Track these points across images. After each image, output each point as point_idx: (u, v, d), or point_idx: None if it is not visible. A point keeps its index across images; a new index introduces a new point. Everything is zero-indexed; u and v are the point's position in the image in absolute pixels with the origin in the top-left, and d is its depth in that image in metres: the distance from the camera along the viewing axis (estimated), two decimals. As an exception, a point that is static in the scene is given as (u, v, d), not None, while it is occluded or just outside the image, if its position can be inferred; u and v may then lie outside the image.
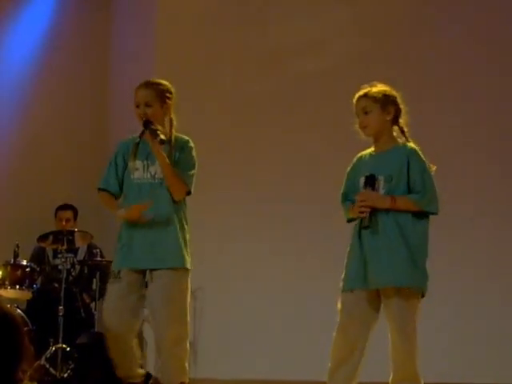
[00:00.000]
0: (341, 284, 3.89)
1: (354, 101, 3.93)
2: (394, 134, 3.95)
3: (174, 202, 4.18)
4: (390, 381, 3.87)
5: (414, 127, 6.02)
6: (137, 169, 4.17)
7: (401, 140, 3.94)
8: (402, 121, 3.95)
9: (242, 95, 6.48)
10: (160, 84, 4.22)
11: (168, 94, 4.20)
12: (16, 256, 5.83)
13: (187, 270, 4.24)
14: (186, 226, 4.25)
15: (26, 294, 5.94)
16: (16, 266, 5.85)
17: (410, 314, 3.78)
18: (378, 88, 3.93)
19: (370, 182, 3.83)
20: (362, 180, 3.87)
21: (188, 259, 4.25)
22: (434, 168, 3.87)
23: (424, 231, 3.85)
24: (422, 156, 3.87)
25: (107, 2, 7.53)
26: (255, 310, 6.13)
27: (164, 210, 4.15)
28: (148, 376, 5.52)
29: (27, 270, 5.91)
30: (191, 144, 4.27)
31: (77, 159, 7.17)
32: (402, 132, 3.95)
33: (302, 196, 6.17)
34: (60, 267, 6.25)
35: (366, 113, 3.88)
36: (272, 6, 6.62)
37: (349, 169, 4.03)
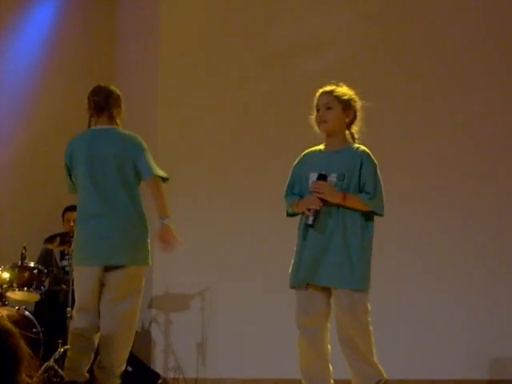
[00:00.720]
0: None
1: (318, 94, 4.02)
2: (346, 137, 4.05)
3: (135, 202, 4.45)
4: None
5: (421, 125, 6.04)
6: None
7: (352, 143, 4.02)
8: (355, 128, 4.04)
9: (246, 96, 6.47)
10: (113, 89, 4.68)
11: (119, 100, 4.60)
12: (23, 258, 5.84)
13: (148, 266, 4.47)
14: (147, 222, 4.44)
15: (34, 296, 5.94)
16: (23, 268, 5.86)
17: (352, 311, 3.86)
18: (345, 90, 4.03)
19: (322, 179, 3.90)
20: (314, 176, 3.94)
21: (148, 256, 4.43)
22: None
23: (370, 233, 3.93)
24: (374, 159, 3.95)
25: (112, 4, 7.54)
26: (264, 310, 6.12)
27: (127, 205, 4.43)
28: (157, 376, 5.54)
29: (35, 271, 5.92)
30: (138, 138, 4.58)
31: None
32: (353, 138, 4.04)
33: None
34: (67, 269, 6.26)
35: (328, 108, 3.96)
36: (276, 6, 6.61)
37: (295, 163, 4.12)
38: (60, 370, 5.56)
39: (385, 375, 3.93)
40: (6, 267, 5.75)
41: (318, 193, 3.86)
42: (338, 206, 3.86)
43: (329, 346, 3.97)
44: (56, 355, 5.60)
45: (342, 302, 3.86)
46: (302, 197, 3.99)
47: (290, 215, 4.10)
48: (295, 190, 4.05)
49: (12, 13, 7.21)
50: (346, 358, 3.92)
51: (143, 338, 6.17)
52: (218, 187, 6.36)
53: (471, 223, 6.11)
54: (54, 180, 7.20)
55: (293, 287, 4.03)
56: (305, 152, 4.12)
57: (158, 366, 6.09)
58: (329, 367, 3.97)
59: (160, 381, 5.57)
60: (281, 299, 6.06)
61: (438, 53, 6.10)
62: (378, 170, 3.93)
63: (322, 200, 3.86)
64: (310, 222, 3.88)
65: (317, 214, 3.87)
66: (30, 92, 7.23)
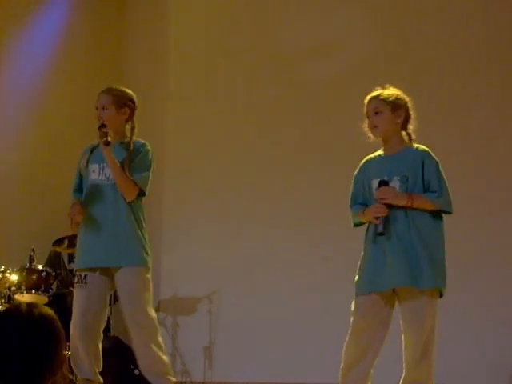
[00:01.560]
0: (355, 287, 3.90)
1: (366, 101, 3.97)
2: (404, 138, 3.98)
3: (128, 202, 4.30)
4: (400, 382, 3.87)
5: (428, 127, 6.02)
6: (93, 171, 4.41)
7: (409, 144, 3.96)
8: (410, 127, 3.98)
9: (255, 98, 6.48)
10: (120, 91, 4.45)
11: (128, 102, 4.41)
12: (31, 261, 5.84)
13: (144, 268, 4.32)
14: (141, 227, 4.33)
15: (42, 299, 5.94)
16: (32, 270, 5.86)
17: (428, 314, 3.78)
18: (391, 91, 3.97)
19: (384, 185, 3.84)
20: (375, 182, 3.88)
21: (145, 258, 4.32)
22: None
23: (441, 232, 3.87)
24: (435, 157, 3.88)
25: (120, 5, 7.54)
26: (272, 314, 6.11)
27: (118, 210, 4.28)
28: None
29: (43, 274, 5.92)
30: (147, 147, 4.41)
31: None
32: (410, 138, 3.97)
33: (317, 199, 6.15)
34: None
35: (376, 113, 3.91)
36: (285, 9, 6.61)
37: (356, 172, 4.05)
38: (67, 373, 5.57)
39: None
40: (15, 269, 5.75)
41: (383, 199, 3.80)
42: (406, 209, 3.79)
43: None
44: (64, 358, 5.61)
45: (417, 304, 3.78)
46: (366, 205, 3.92)
47: (356, 225, 4.01)
48: (359, 200, 3.98)
49: (21, 13, 7.22)
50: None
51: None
52: (226, 191, 6.36)
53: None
54: (63, 182, 7.19)
55: (361, 294, 3.90)
56: (364, 159, 4.05)
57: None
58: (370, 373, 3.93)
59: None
60: (289, 303, 6.08)
61: (454, 54, 6.08)
62: (440, 168, 3.86)
63: (388, 206, 3.80)
64: (380, 230, 3.80)
65: (385, 221, 3.80)
66: (38, 94, 7.24)
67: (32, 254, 5.85)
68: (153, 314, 4.32)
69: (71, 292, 6.21)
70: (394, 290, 3.84)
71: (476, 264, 5.78)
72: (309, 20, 6.47)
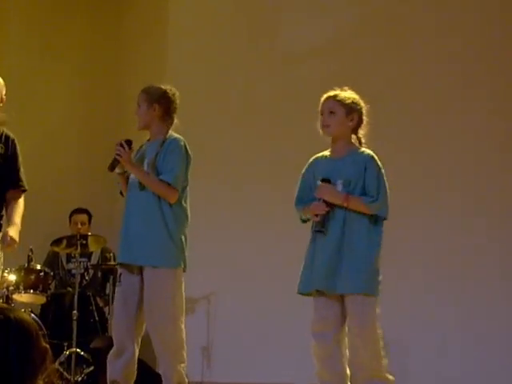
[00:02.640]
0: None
1: (322, 100, 4.02)
2: (353, 141, 4.03)
3: (158, 200, 4.22)
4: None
5: (430, 128, 6.02)
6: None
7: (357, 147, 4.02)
8: (361, 132, 4.02)
9: (253, 98, 6.48)
10: (151, 88, 4.39)
11: (159, 99, 4.33)
12: (30, 260, 5.85)
13: (171, 269, 4.22)
14: (171, 225, 4.23)
15: (40, 299, 5.95)
16: (30, 270, 5.87)
17: (363, 316, 3.83)
18: (348, 94, 4.02)
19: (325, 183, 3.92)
20: (319, 183, 3.94)
21: (169, 258, 4.22)
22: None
23: (377, 238, 3.91)
24: (379, 162, 3.95)
25: (119, 4, 7.55)
26: (270, 315, 6.11)
27: (146, 207, 4.22)
28: (161, 379, 5.52)
29: (41, 274, 5.93)
30: (180, 142, 4.32)
31: (90, 163, 7.17)
32: (360, 143, 4.02)
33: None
34: (74, 271, 6.28)
35: (330, 113, 3.95)
36: (283, 9, 6.62)
37: (304, 170, 4.11)
38: (65, 373, 5.58)
39: (392, 381, 3.90)
40: (13, 269, 5.75)
41: (320, 196, 3.87)
42: (344, 210, 3.85)
43: (347, 351, 3.94)
44: (61, 358, 5.61)
45: (350, 307, 3.84)
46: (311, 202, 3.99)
47: (304, 221, 4.07)
48: (304, 198, 4.03)
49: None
50: (352, 362, 3.91)
51: (147, 340, 6.16)
52: (224, 192, 6.36)
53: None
54: (61, 182, 7.23)
55: (301, 293, 4.02)
56: (313, 158, 4.10)
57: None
58: (346, 374, 3.94)
59: None
60: (287, 304, 6.06)
61: (446, 55, 6.09)
62: (382, 173, 3.91)
63: (329, 205, 3.86)
64: (318, 227, 3.88)
65: (324, 219, 3.87)
66: (37, 93, 7.24)
67: (30, 253, 5.85)
68: (180, 322, 4.19)
69: (69, 292, 6.23)
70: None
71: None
72: (307, 19, 6.47)
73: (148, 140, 4.40)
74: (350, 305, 3.85)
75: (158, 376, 5.33)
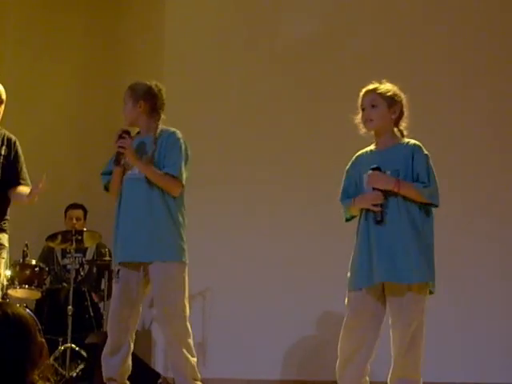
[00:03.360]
0: (347, 283, 3.89)
1: (362, 94, 3.96)
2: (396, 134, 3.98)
3: (162, 195, 4.21)
4: (389, 377, 3.87)
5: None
6: (128, 165, 4.29)
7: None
8: (403, 124, 3.98)
9: (251, 95, 6.46)
10: (136, 84, 4.39)
11: (144, 95, 4.32)
12: (25, 256, 5.84)
13: (177, 263, 4.22)
14: (176, 220, 4.24)
15: (35, 294, 5.94)
16: (25, 265, 5.86)
17: (417, 309, 3.77)
18: (388, 86, 3.96)
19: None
20: (367, 177, 3.87)
21: (175, 253, 4.22)
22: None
23: (431, 226, 3.86)
24: (426, 151, 3.89)
25: (117, 2, 7.53)
26: (266, 310, 6.11)
27: (150, 203, 4.20)
28: (157, 375, 5.53)
29: (36, 269, 5.92)
30: (178, 135, 4.33)
31: (87, 159, 7.16)
32: (402, 135, 3.97)
33: (316, 194, 6.13)
34: (69, 267, 6.27)
35: (373, 106, 3.90)
36: (282, 6, 6.60)
37: (348, 166, 4.04)
38: (60, 369, 5.57)
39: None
40: (8, 265, 5.74)
41: (373, 183, 3.79)
42: (397, 197, 3.77)
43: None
44: (56, 353, 5.60)
45: (400, 299, 3.76)
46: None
47: (348, 219, 3.99)
48: (350, 194, 3.95)
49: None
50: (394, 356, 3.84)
51: (144, 337, 6.17)
52: (220, 186, 6.35)
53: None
54: (57, 178, 7.20)
55: (356, 289, 3.86)
56: (356, 154, 4.04)
57: (158, 366, 6.08)
58: (367, 371, 3.90)
59: (160, 380, 5.56)
60: (283, 300, 6.07)
61: (450, 52, 6.08)
62: (430, 161, 3.85)
63: (383, 193, 3.79)
64: (379, 218, 3.78)
65: (383, 208, 3.78)
66: (34, 87, 7.23)
67: (25, 249, 5.84)
68: (187, 313, 4.21)
69: (64, 287, 6.22)
70: (383, 283, 3.82)
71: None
72: (307, 13, 6.46)
73: (138, 133, 4.39)
74: (403, 294, 3.75)
75: (154, 372, 5.34)
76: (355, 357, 3.84)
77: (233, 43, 6.58)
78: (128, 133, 4.25)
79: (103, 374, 4.24)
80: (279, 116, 6.37)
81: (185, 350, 4.19)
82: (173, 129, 4.35)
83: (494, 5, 6.15)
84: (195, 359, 4.25)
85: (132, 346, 4.27)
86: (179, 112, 6.57)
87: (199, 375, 4.28)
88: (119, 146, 4.21)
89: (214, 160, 6.40)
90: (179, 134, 4.32)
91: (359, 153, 4.03)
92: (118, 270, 4.23)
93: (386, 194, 3.79)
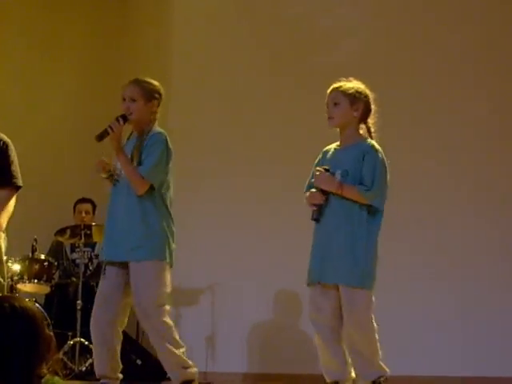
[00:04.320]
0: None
1: (328, 91, 4.02)
2: (361, 132, 4.02)
3: (139, 196, 4.23)
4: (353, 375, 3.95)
5: (435, 117, 5.99)
6: (117, 163, 4.32)
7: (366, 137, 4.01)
8: (370, 121, 4.02)
9: (256, 91, 6.46)
10: (149, 83, 4.35)
11: (156, 95, 4.31)
12: (34, 250, 5.86)
13: (158, 261, 4.24)
14: (152, 219, 4.23)
15: (44, 289, 5.96)
16: (34, 260, 5.87)
17: (356, 308, 3.84)
18: (352, 84, 4.01)
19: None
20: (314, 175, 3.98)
21: (149, 252, 4.22)
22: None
23: (374, 228, 3.90)
24: (379, 153, 3.93)
25: (123, 2, 7.54)
26: (273, 305, 6.11)
27: (128, 202, 4.23)
28: (165, 372, 5.53)
29: (45, 264, 5.93)
30: (162, 136, 4.30)
31: (95, 153, 7.16)
32: (369, 131, 4.01)
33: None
34: (78, 261, 6.28)
35: (335, 104, 3.96)
36: (286, 2, 6.60)
37: (316, 162, 4.12)
38: (69, 363, 5.59)
39: (386, 371, 3.91)
40: (17, 259, 5.76)
41: (317, 184, 3.91)
42: (341, 199, 3.85)
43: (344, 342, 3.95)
44: (65, 348, 5.62)
45: (343, 299, 3.86)
46: None
47: (314, 219, 4.07)
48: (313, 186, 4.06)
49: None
50: (347, 353, 3.92)
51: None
52: (227, 182, 6.35)
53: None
54: (66, 172, 7.23)
55: (308, 285, 4.03)
56: (324, 149, 4.13)
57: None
58: (347, 361, 3.94)
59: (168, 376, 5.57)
60: (290, 295, 6.08)
61: (450, 51, 6.05)
62: (381, 164, 3.89)
63: (325, 194, 3.89)
64: (314, 216, 3.93)
65: (320, 208, 3.90)
66: (41, 83, 7.24)
67: (34, 243, 5.86)
68: (165, 308, 4.22)
69: (73, 282, 6.24)
70: None
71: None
72: (310, 13, 6.44)
73: (131, 134, 4.40)
74: (342, 295, 3.85)
75: (163, 367, 5.35)
76: (331, 352, 3.94)
77: (239, 40, 6.57)
78: (125, 119, 4.23)
79: (96, 373, 4.28)
80: (286, 108, 6.36)
81: (168, 344, 4.20)
82: (159, 129, 4.33)
83: (495, 2, 6.12)
84: (182, 349, 4.24)
85: (119, 343, 4.27)
86: (183, 108, 6.59)
87: (190, 362, 4.28)
88: (109, 126, 4.20)
89: (221, 154, 6.40)
90: (164, 136, 4.29)
91: (326, 148, 4.12)
92: (105, 268, 4.26)
93: (329, 193, 3.89)
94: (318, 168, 3.96)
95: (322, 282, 3.91)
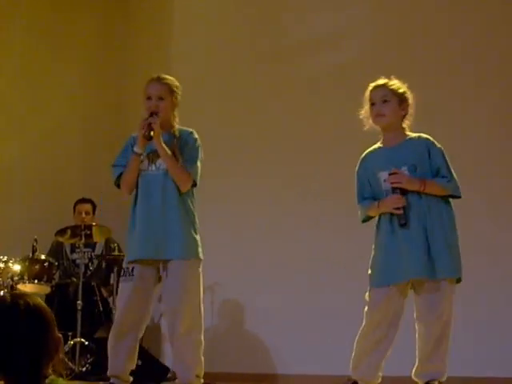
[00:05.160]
0: (369, 280, 3.86)
1: (371, 88, 3.92)
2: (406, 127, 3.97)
3: (180, 192, 4.19)
4: (414, 370, 3.88)
5: (437, 118, 5.99)
6: (142, 161, 4.21)
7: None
8: (407, 122, 3.96)
9: (255, 91, 6.46)
10: (171, 80, 4.32)
11: (177, 90, 4.30)
12: (34, 250, 5.85)
13: (197, 260, 4.22)
14: (192, 216, 4.24)
15: (45, 289, 5.96)
16: (34, 260, 5.87)
17: (445, 303, 3.78)
18: (399, 83, 3.94)
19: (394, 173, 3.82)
20: (384, 175, 3.84)
21: (195, 250, 4.21)
22: None
23: (454, 218, 3.86)
24: (438, 144, 3.89)
25: (125, 2, 7.54)
26: (274, 305, 6.11)
27: (169, 200, 4.17)
28: (166, 370, 5.54)
29: (45, 264, 5.93)
30: (195, 135, 4.32)
31: (96, 153, 7.18)
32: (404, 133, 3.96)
33: (324, 191, 6.12)
34: (78, 262, 6.27)
35: (384, 101, 3.87)
36: (287, 1, 6.60)
37: (357, 168, 4.00)
38: (70, 363, 5.59)
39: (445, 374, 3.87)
40: (17, 259, 5.76)
41: (397, 183, 3.75)
42: (420, 195, 3.77)
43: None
44: (66, 348, 5.62)
45: (441, 293, 3.77)
46: (375, 199, 3.89)
47: (364, 221, 3.96)
48: (366, 194, 3.94)
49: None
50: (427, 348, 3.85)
51: (153, 331, 6.18)
52: (230, 182, 6.36)
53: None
54: (66, 172, 7.24)
55: (380, 286, 3.84)
56: (364, 154, 4.00)
57: (167, 360, 6.09)
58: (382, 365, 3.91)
59: (169, 374, 5.58)
60: (291, 295, 6.08)
61: (451, 49, 6.06)
62: (445, 154, 3.86)
63: (403, 193, 3.77)
64: (402, 221, 3.75)
65: (405, 211, 3.76)
66: (43, 83, 7.25)
67: (35, 244, 5.85)
68: (200, 308, 4.22)
69: (73, 282, 6.24)
70: (411, 281, 3.82)
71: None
72: (311, 13, 6.45)
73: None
74: (435, 291, 3.76)
75: (163, 366, 5.34)
76: (373, 353, 3.84)
77: (239, 41, 6.58)
78: (157, 114, 4.18)
79: (108, 370, 4.23)
80: (288, 110, 6.37)
81: (196, 347, 4.20)
82: (190, 129, 4.34)
83: (495, 2, 6.12)
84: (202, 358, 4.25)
85: (138, 342, 4.25)
86: (185, 103, 6.58)
87: (203, 372, 4.27)
88: (150, 124, 4.10)
89: (224, 154, 6.40)
90: (196, 135, 4.32)
91: (367, 151, 3.99)
92: (133, 268, 4.17)
93: (407, 192, 3.77)
94: (394, 170, 3.79)
95: (430, 278, 3.73)
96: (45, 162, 7.15)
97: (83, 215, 6.68)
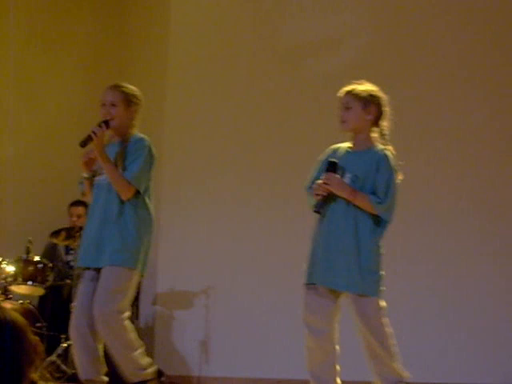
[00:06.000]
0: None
1: (339, 95, 3.97)
2: (374, 135, 3.97)
3: (122, 201, 4.21)
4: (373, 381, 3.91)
5: (432, 123, 5.99)
6: (96, 169, 4.30)
7: (379, 143, 3.95)
8: (384, 123, 3.96)
9: (257, 94, 6.45)
10: (128, 88, 4.36)
11: (135, 100, 4.33)
12: (28, 252, 5.84)
13: (130, 269, 4.22)
14: (137, 225, 4.23)
15: (39, 290, 5.94)
16: (28, 262, 5.86)
17: (372, 315, 3.81)
18: (365, 87, 3.96)
19: (331, 168, 3.86)
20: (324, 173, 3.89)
21: (132, 259, 4.21)
22: (400, 177, 3.91)
23: (378, 238, 3.86)
24: (393, 163, 3.89)
25: (122, 4, 7.53)
26: (269, 309, 6.10)
27: (113, 209, 4.21)
28: (160, 373, 5.51)
29: (39, 266, 5.91)
30: (144, 142, 4.30)
31: (90, 156, 7.15)
32: (382, 135, 3.96)
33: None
34: (72, 263, 6.26)
35: (347, 108, 3.91)
36: (287, 3, 6.59)
37: (322, 157, 4.04)
38: (62, 365, 5.56)
39: (406, 377, 3.87)
40: (11, 261, 5.75)
41: (327, 184, 3.81)
42: (350, 205, 3.81)
43: (337, 347, 3.92)
44: (59, 350, 5.60)
45: (354, 306, 3.83)
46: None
47: (315, 211, 3.95)
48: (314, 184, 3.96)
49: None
50: (367, 360, 3.88)
51: (147, 334, 6.16)
52: (223, 185, 6.34)
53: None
54: (60, 174, 7.21)
55: (306, 285, 3.97)
56: (333, 147, 4.05)
57: (161, 363, 6.06)
58: (336, 367, 3.93)
59: (163, 378, 5.54)
60: (286, 298, 6.06)
61: (451, 51, 6.06)
62: (393, 176, 3.85)
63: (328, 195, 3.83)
64: (317, 208, 3.84)
65: (323, 200, 3.82)
66: (40, 83, 7.23)
67: (29, 245, 5.84)
68: (124, 315, 4.19)
69: (67, 284, 6.22)
70: None
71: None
72: (312, 14, 6.44)
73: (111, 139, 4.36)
74: (351, 302, 3.83)
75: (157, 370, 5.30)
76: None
77: (238, 40, 6.56)
78: (107, 125, 4.21)
79: (79, 377, 4.26)
80: (285, 113, 6.36)
81: (123, 348, 4.19)
82: (141, 135, 4.33)
83: (495, 3, 6.12)
84: (139, 350, 4.24)
85: (101, 345, 4.26)
86: (182, 111, 6.58)
87: (145, 361, 4.27)
88: (93, 131, 4.17)
89: (219, 156, 6.39)
90: (147, 142, 4.30)
91: (336, 146, 4.03)
92: (84, 274, 4.27)
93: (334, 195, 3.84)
94: (332, 174, 3.84)
95: (328, 286, 3.85)
96: (39, 163, 7.12)
97: (74, 218, 6.66)
